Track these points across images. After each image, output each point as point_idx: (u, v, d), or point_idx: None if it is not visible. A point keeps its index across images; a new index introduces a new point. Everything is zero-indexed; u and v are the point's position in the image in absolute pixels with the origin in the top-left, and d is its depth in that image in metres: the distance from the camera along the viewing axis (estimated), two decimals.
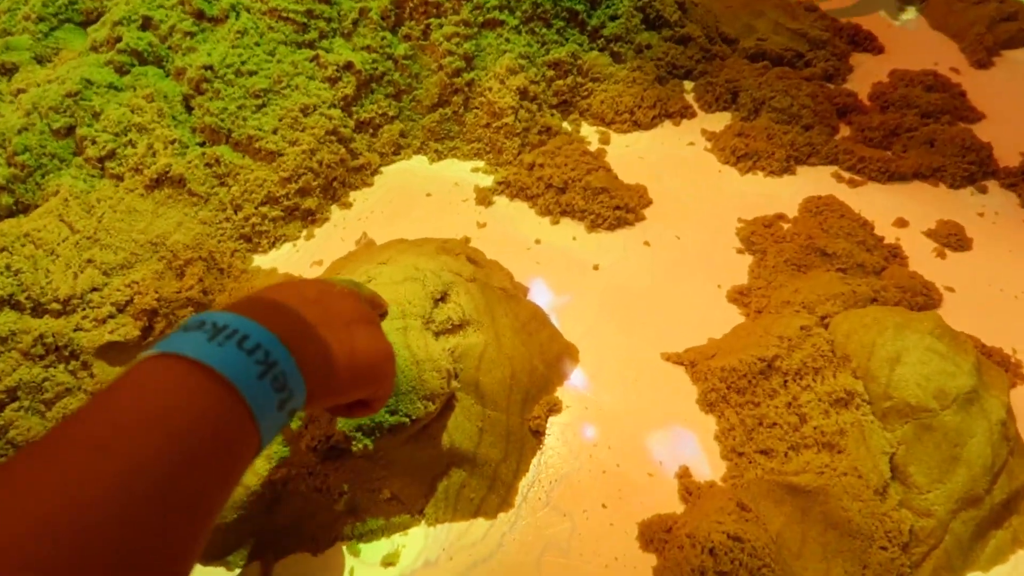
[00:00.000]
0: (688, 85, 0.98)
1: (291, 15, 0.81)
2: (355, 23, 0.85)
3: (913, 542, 0.53)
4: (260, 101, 0.79)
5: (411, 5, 0.86)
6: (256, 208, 0.76)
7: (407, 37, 0.86)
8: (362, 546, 0.55)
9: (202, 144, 0.79)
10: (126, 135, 0.75)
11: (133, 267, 0.68)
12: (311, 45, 0.83)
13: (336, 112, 0.81)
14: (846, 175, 0.84)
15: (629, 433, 0.61)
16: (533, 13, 0.88)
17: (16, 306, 0.62)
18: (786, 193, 0.82)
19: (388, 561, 0.54)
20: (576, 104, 0.93)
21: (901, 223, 0.78)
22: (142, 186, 0.74)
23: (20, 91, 0.81)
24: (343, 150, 0.81)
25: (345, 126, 0.82)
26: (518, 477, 0.58)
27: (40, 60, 0.87)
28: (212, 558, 0.54)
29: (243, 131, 0.77)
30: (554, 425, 0.62)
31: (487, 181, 0.84)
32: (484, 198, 0.82)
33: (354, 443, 0.51)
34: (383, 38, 0.85)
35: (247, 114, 0.78)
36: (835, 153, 0.85)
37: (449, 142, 0.88)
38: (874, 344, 0.58)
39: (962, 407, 0.54)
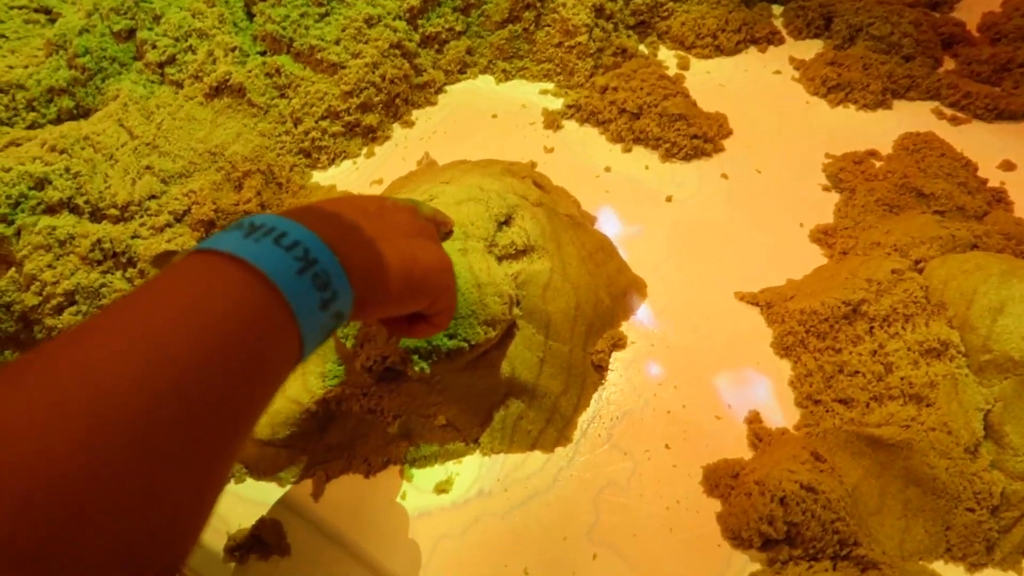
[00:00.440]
0: (777, 9, 0.90)
1: None
2: None
3: (1004, 506, 0.49)
4: (323, 9, 0.76)
5: None
6: (316, 122, 0.74)
7: None
8: (415, 471, 0.53)
9: (263, 53, 0.76)
10: (186, 40, 0.73)
11: (191, 176, 0.67)
12: None
13: (401, 24, 0.77)
14: (948, 111, 0.77)
15: (696, 374, 0.58)
16: None
17: (75, 210, 0.61)
18: (880, 129, 0.75)
19: (441, 488, 0.52)
20: (655, 25, 0.87)
21: (1008, 166, 0.71)
22: (201, 94, 0.72)
23: None
24: (407, 65, 0.78)
25: (410, 40, 0.78)
26: (578, 412, 0.56)
27: None
28: (264, 473, 0.53)
29: (305, 41, 0.74)
30: (617, 361, 0.59)
31: (556, 104, 0.80)
32: (552, 122, 0.77)
33: (410, 366, 0.49)
34: None
35: (309, 23, 0.75)
36: (937, 87, 0.78)
37: (518, 61, 0.84)
38: (975, 292, 0.53)
39: None
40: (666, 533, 0.50)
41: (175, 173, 0.66)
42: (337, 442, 0.53)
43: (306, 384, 0.53)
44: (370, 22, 0.76)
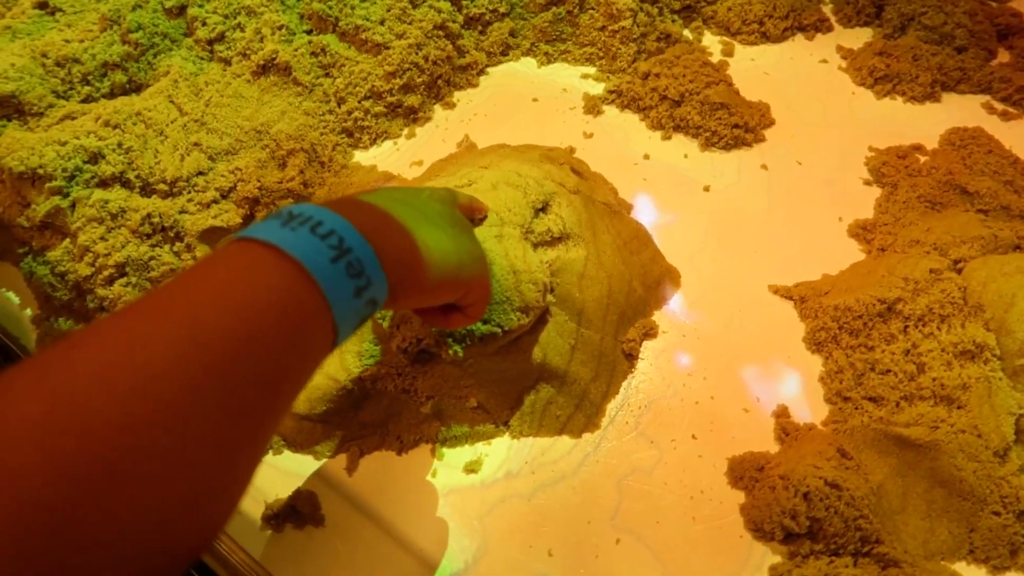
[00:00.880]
0: None
1: None
2: None
3: None
4: None
5: None
6: (359, 102, 0.75)
7: None
8: (446, 450, 0.55)
9: (309, 32, 0.77)
10: (235, 18, 0.74)
11: (237, 153, 0.68)
12: None
13: (446, 5, 0.77)
14: (999, 106, 0.75)
15: (726, 365, 0.58)
16: None
17: (127, 184, 0.63)
18: (927, 122, 0.74)
19: (471, 468, 0.54)
20: (700, 10, 0.86)
21: None
22: (249, 72, 0.73)
23: None
24: (450, 46, 0.78)
25: (454, 21, 0.78)
26: (607, 399, 0.57)
27: None
28: (300, 447, 0.55)
29: (350, 20, 0.75)
30: (648, 350, 0.59)
31: (597, 89, 0.80)
32: (593, 107, 0.77)
33: (444, 349, 0.50)
34: None
35: (355, 2, 0.76)
36: (989, 81, 0.77)
37: (560, 44, 0.84)
38: (1015, 296, 0.52)
39: None
40: (689, 522, 0.51)
41: (222, 150, 0.68)
42: (371, 419, 0.55)
43: (343, 362, 0.55)
44: (415, 2, 0.76)
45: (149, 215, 0.62)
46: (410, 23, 0.76)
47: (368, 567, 0.50)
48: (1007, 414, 0.50)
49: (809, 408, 0.56)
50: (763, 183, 0.70)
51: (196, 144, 0.67)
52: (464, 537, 0.51)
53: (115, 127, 0.65)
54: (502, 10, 0.83)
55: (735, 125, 0.72)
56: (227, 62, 0.74)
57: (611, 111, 0.78)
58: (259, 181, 0.66)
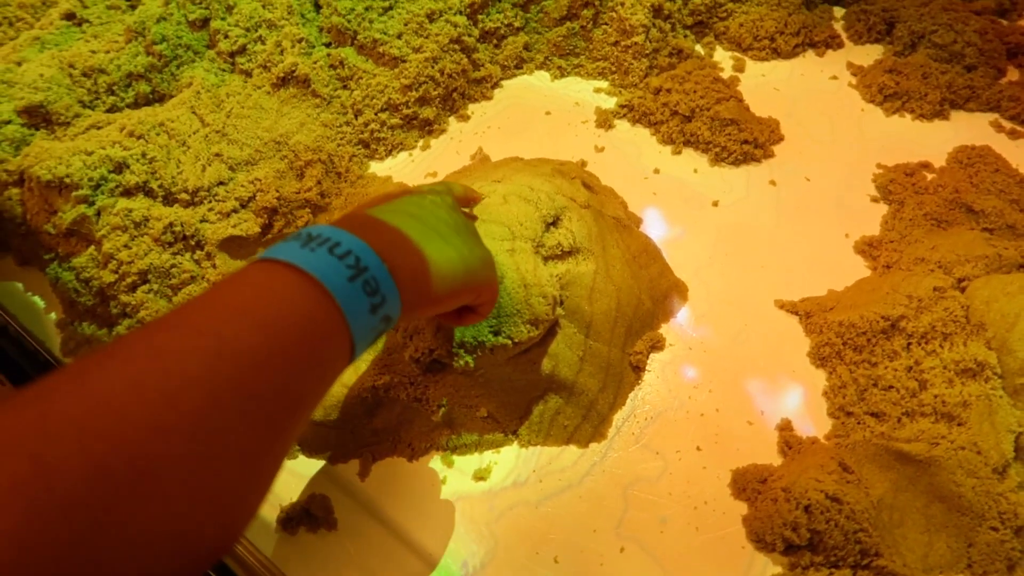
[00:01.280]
0: (838, 12, 0.90)
1: None
2: None
3: None
4: (387, 3, 0.78)
5: None
6: (376, 114, 0.76)
7: None
8: (456, 458, 0.56)
9: (328, 45, 0.79)
10: (256, 31, 0.76)
11: (257, 164, 0.70)
12: None
13: (462, 19, 0.79)
14: (1007, 125, 0.76)
15: (732, 379, 0.60)
16: None
17: (149, 193, 0.65)
18: (935, 140, 0.75)
19: (480, 476, 0.55)
20: (712, 26, 0.87)
21: None
22: (269, 83, 0.75)
23: None
24: (465, 60, 0.80)
25: (469, 35, 0.80)
26: (614, 410, 0.58)
27: None
28: (315, 451, 0.57)
29: (368, 34, 0.76)
30: (655, 362, 0.61)
31: (609, 103, 0.81)
32: (605, 121, 0.79)
33: (456, 359, 0.52)
34: None
35: (373, 16, 0.77)
36: (998, 99, 0.77)
37: (574, 59, 0.85)
38: (1018, 316, 0.53)
39: None
40: (692, 532, 0.52)
41: (242, 161, 0.70)
42: (384, 426, 0.57)
43: (357, 371, 0.56)
44: (432, 17, 0.78)
45: (171, 224, 0.64)
46: (427, 37, 0.77)
47: (378, 569, 0.52)
48: (1007, 432, 0.51)
49: (812, 422, 0.57)
50: (771, 199, 0.71)
51: (217, 154, 0.69)
52: (472, 543, 0.52)
53: (139, 137, 0.67)
54: (517, 24, 0.84)
55: (744, 141, 0.74)
56: (248, 74, 0.76)
57: (622, 125, 0.79)
58: (278, 191, 0.68)
